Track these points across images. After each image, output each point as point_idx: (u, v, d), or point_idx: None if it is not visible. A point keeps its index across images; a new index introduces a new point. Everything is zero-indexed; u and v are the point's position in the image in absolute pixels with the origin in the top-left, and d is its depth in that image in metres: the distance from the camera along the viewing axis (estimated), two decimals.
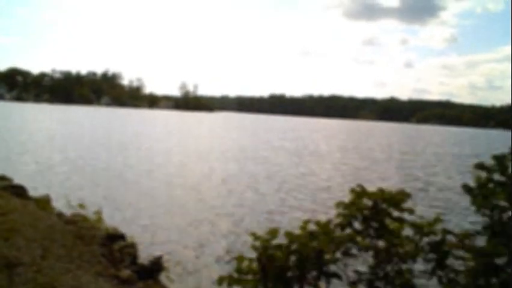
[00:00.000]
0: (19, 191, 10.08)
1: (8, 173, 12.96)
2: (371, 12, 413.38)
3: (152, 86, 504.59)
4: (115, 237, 7.34)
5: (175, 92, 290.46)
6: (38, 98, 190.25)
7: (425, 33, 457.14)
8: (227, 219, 12.57)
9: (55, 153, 24.93)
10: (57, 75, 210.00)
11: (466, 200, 13.84)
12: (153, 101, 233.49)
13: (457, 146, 61.65)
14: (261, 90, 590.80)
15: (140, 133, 48.36)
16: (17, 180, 13.10)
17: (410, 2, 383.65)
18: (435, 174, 26.10)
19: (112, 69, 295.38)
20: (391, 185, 20.74)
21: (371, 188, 4.08)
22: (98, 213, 7.86)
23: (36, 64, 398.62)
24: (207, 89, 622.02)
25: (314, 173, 23.90)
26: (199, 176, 20.26)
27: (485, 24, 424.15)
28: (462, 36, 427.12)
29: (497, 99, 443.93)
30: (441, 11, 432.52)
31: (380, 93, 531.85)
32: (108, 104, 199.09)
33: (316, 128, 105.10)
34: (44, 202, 9.78)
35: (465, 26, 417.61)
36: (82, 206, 7.83)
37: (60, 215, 9.13)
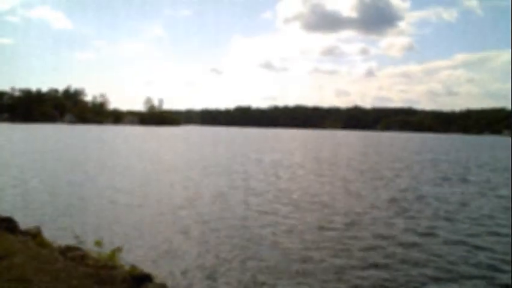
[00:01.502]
0: (10, 225, 8.84)
1: None
2: (330, 23, 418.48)
3: (117, 102, 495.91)
4: (141, 278, 6.28)
5: (139, 107, 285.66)
6: None
7: (384, 43, 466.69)
8: (238, 241, 11.58)
9: (25, 177, 23.22)
10: (17, 93, 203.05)
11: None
12: (118, 117, 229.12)
13: (429, 151, 62.48)
14: (226, 103, 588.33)
15: (110, 150, 46.58)
16: None
17: (368, 13, 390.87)
18: (415, 181, 25.88)
19: (74, 85, 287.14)
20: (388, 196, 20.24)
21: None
22: (118, 250, 6.70)
23: None
24: (172, 103, 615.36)
25: (302, 187, 23.21)
26: (188, 194, 19.12)
27: (441, 32, 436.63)
28: (419, 44, 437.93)
29: (455, 104, 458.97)
30: (399, 20, 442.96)
31: (343, 102, 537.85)
32: (72, 121, 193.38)
33: (286, 139, 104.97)
34: (40, 237, 8.60)
35: (422, 34, 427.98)
36: (98, 243, 6.65)
37: (63, 251, 7.98)
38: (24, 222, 10.65)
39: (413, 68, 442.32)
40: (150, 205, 16.52)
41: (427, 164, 39.05)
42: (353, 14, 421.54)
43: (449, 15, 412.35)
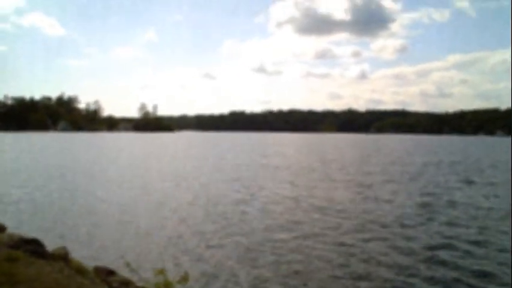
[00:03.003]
0: (37, 248, 7.67)
1: None
2: (322, 26, 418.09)
3: (111, 109, 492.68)
4: None
5: (133, 113, 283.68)
6: None
7: (377, 45, 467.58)
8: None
9: (19, 188, 22.04)
10: (9, 102, 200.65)
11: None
12: (112, 124, 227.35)
13: (432, 152, 61.82)
14: (220, 108, 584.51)
15: (109, 160, 45.43)
16: None
17: (360, 16, 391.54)
18: (432, 184, 24.99)
19: (68, 93, 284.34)
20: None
21: None
22: (184, 279, 5.49)
23: None
24: (166, 109, 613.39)
25: (316, 193, 22.22)
26: (209, 206, 18.05)
27: (433, 34, 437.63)
28: (412, 46, 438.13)
29: (447, 105, 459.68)
30: (391, 22, 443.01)
31: (337, 105, 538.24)
32: (65, 129, 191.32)
33: (285, 143, 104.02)
34: (74, 261, 7.49)
35: (414, 36, 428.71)
36: (161, 272, 5.46)
37: (104, 278, 6.89)
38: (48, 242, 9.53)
39: (406, 69, 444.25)
40: (164, 220, 15.44)
41: (439, 166, 38.25)
42: (345, 17, 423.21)
43: (440, 16, 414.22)
